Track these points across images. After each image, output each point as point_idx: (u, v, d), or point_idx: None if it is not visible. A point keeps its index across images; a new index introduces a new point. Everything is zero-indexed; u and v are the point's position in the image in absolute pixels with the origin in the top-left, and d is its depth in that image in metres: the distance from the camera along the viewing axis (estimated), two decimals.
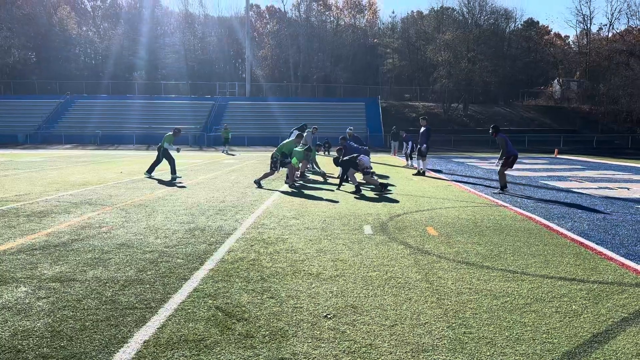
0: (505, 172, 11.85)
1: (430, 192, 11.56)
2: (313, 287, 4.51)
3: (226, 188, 11.90)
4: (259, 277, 4.79)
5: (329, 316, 3.83)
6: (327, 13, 75.67)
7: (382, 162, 22.41)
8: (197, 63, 68.09)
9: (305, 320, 3.75)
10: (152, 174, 14.57)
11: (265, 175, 12.67)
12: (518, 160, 13.31)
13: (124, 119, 46.88)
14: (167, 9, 77.19)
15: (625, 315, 3.91)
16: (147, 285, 4.51)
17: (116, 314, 3.84)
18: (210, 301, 4.13)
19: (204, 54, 70.32)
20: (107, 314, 3.83)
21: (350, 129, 17.88)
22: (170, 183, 12.87)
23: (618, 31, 64.14)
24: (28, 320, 3.69)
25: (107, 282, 4.59)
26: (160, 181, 13.26)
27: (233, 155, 28.36)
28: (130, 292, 4.32)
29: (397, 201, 9.94)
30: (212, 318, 3.78)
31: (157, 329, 3.57)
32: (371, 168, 12.35)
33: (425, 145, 15.66)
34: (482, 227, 7.37)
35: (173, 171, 14.18)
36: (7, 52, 66.99)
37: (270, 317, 3.80)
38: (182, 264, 5.22)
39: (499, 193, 11.66)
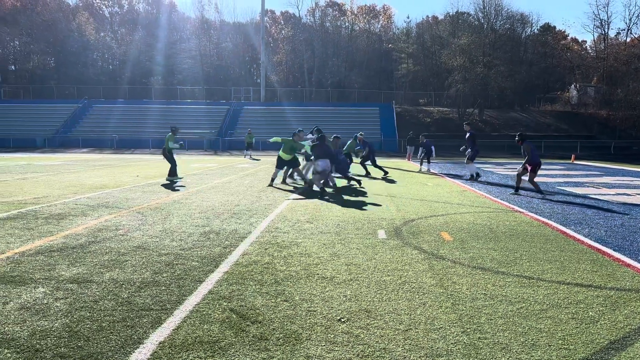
0: (525, 177, 12.01)
1: (445, 197, 11.50)
2: (327, 291, 4.52)
3: (240, 192, 11.97)
4: (272, 280, 4.81)
5: (342, 320, 3.84)
6: (342, 18, 75.89)
7: (396, 167, 22.34)
8: (212, 68, 68.72)
9: (319, 324, 3.75)
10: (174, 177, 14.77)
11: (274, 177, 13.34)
12: None
13: (141, 123, 47.41)
14: (183, 15, 78.11)
15: None
16: (163, 287, 4.56)
17: (132, 315, 3.89)
18: (224, 303, 4.16)
19: (220, 59, 70.92)
20: (124, 315, 3.87)
21: (360, 134, 17.88)
22: (181, 186, 12.97)
23: (636, 36, 63.30)
24: (46, 321, 3.75)
25: (123, 284, 4.64)
26: (176, 185, 13.37)
27: (257, 160, 28.43)
28: (146, 294, 4.37)
29: (411, 206, 9.91)
30: (227, 320, 3.81)
31: (173, 330, 3.61)
32: (330, 172, 12.41)
33: (470, 149, 15.71)
34: (497, 232, 7.31)
35: (173, 173, 14.37)
36: (26, 58, 68.40)
37: (284, 320, 3.82)
38: (197, 266, 5.27)
39: (514, 194, 11.79)
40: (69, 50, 65.53)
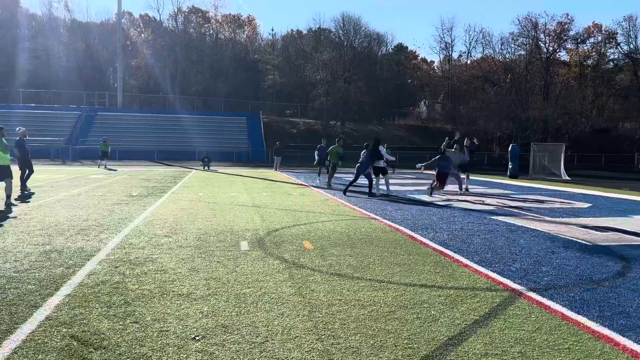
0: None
1: (308, 206, 11.78)
2: (182, 309, 4.32)
3: (91, 205, 11.06)
4: (122, 301, 4.48)
5: (197, 338, 3.69)
6: (206, 26, 74.64)
7: (263, 177, 22.42)
8: (62, 70, 63.01)
9: (172, 344, 3.57)
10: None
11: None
12: (390, 175, 14.36)
13: None
14: (27, 11, 70.63)
15: (477, 317, 4.27)
16: None
17: None
18: (64, 330, 3.76)
19: (70, 60, 65.31)
20: None
21: (20, 129, 15.85)
22: (25, 200, 11.64)
23: (475, 59, 71.44)
24: None
25: None
26: (16, 198, 11.94)
27: (114, 170, 26.60)
28: None
29: (275, 216, 9.98)
30: (66, 348, 3.44)
31: None
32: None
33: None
34: (354, 239, 7.65)
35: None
36: None
37: (133, 343, 3.56)
38: (33, 290, 4.72)
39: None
40: None
